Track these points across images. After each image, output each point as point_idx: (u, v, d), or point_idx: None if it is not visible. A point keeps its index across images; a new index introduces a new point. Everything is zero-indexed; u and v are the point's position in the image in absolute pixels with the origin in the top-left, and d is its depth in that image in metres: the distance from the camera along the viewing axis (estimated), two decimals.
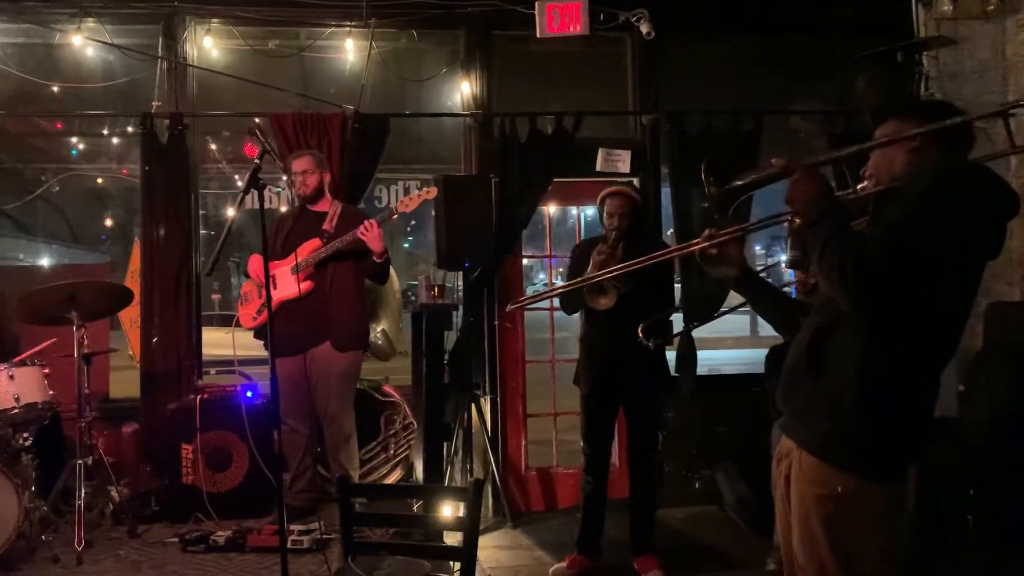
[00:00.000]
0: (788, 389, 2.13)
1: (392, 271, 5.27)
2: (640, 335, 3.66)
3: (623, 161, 5.49)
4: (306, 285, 4.63)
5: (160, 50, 5.37)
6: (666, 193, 5.58)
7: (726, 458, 5.23)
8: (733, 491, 5.07)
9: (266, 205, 5.11)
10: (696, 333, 5.34)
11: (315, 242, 4.67)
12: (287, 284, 4.62)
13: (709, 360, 5.48)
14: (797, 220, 2.07)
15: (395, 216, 4.72)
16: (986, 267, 2.04)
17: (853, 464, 1.96)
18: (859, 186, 2.17)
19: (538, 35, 5.25)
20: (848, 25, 5.61)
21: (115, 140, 6.83)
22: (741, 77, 5.73)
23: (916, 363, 1.97)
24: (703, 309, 5.32)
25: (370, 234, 4.54)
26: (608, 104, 5.70)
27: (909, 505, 2.05)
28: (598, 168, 5.44)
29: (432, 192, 4.66)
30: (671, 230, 5.77)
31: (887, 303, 1.90)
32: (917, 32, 5.67)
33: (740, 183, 2.18)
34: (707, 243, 2.30)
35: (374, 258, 4.64)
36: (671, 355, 5.44)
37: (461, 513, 2.57)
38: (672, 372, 5.32)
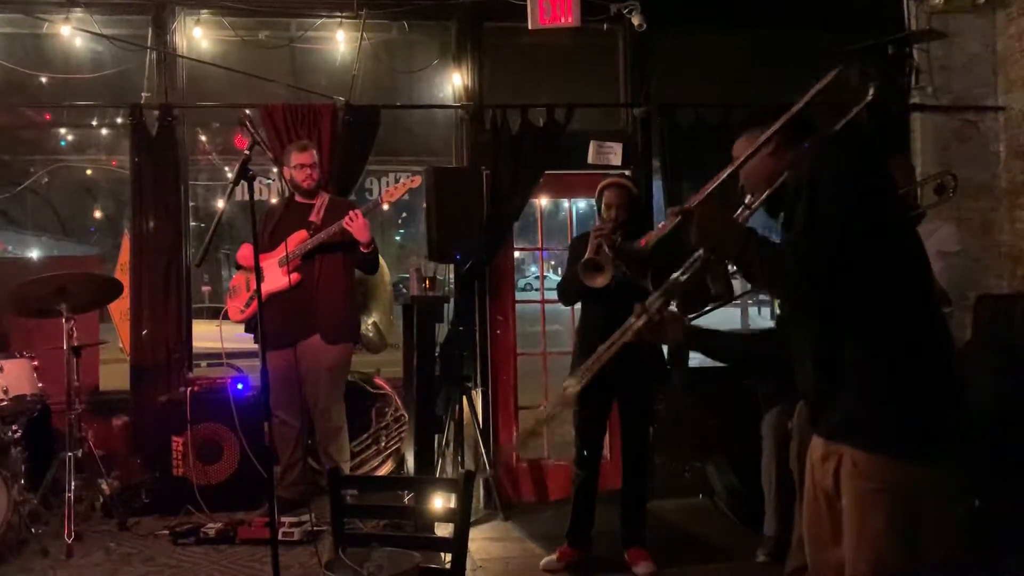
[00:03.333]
0: (814, 390, 2.11)
1: (383, 263, 5.26)
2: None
3: (615, 153, 5.49)
4: (293, 277, 4.62)
5: (150, 41, 5.34)
6: (657, 186, 5.58)
7: (717, 450, 5.25)
8: (724, 483, 5.09)
9: (256, 197, 5.12)
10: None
11: (302, 234, 4.66)
12: (274, 276, 4.61)
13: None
14: (706, 256, 2.09)
15: (381, 206, 4.70)
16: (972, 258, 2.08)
17: (900, 447, 1.94)
18: (747, 201, 2.22)
19: (530, 27, 5.24)
20: (839, 18, 5.61)
21: (104, 131, 6.78)
22: (732, 70, 5.73)
23: (910, 324, 1.98)
24: (693, 302, 5.33)
25: (355, 224, 4.52)
26: (600, 96, 5.70)
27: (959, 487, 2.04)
28: (590, 160, 5.44)
29: (416, 181, 4.64)
30: (662, 223, 5.76)
31: (845, 283, 1.92)
32: (908, 25, 5.68)
33: (645, 247, 2.20)
34: (644, 323, 2.28)
35: (361, 248, 4.63)
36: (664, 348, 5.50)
37: (452, 505, 2.57)
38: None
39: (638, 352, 3.91)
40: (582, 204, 5.94)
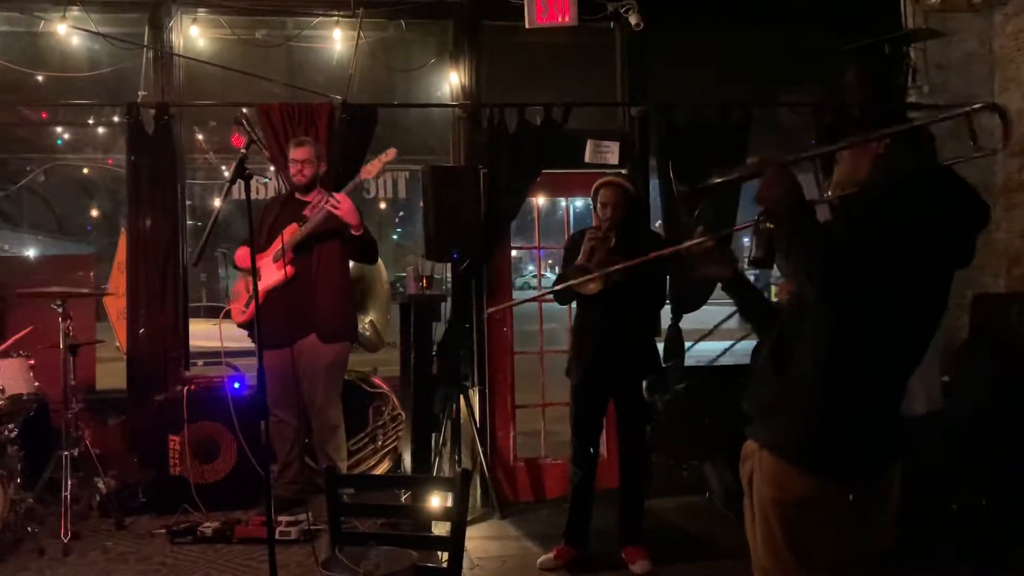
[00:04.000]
0: (753, 390, 2.13)
1: (380, 262, 5.25)
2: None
3: (612, 152, 5.49)
4: (288, 270, 4.57)
5: (146, 39, 5.33)
6: (654, 184, 5.58)
7: (714, 449, 5.25)
8: (721, 481, 5.09)
9: (253, 195, 5.12)
10: (684, 324, 5.37)
11: (293, 227, 4.64)
12: (270, 273, 4.59)
13: (702, 352, 5.49)
14: (766, 221, 2.06)
15: (360, 181, 4.63)
16: (970, 263, 2.04)
17: (813, 463, 1.95)
18: (827, 195, 2.20)
19: (527, 25, 5.23)
20: (836, 17, 5.62)
21: (101, 130, 6.78)
22: (730, 69, 5.73)
23: (879, 364, 1.97)
24: (691, 300, 5.35)
25: (341, 207, 4.49)
26: (597, 95, 5.70)
27: (882, 509, 2.02)
28: (587, 159, 5.44)
29: (391, 153, 4.59)
30: (659, 221, 5.78)
31: (850, 298, 1.90)
32: (905, 24, 5.69)
33: (712, 183, 2.17)
34: (701, 240, 2.30)
35: (352, 231, 4.57)
36: (659, 346, 5.50)
37: (449, 504, 2.57)
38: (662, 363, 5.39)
39: (634, 349, 3.94)
40: (579, 203, 5.94)
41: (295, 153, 4.71)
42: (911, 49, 5.67)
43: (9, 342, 4.68)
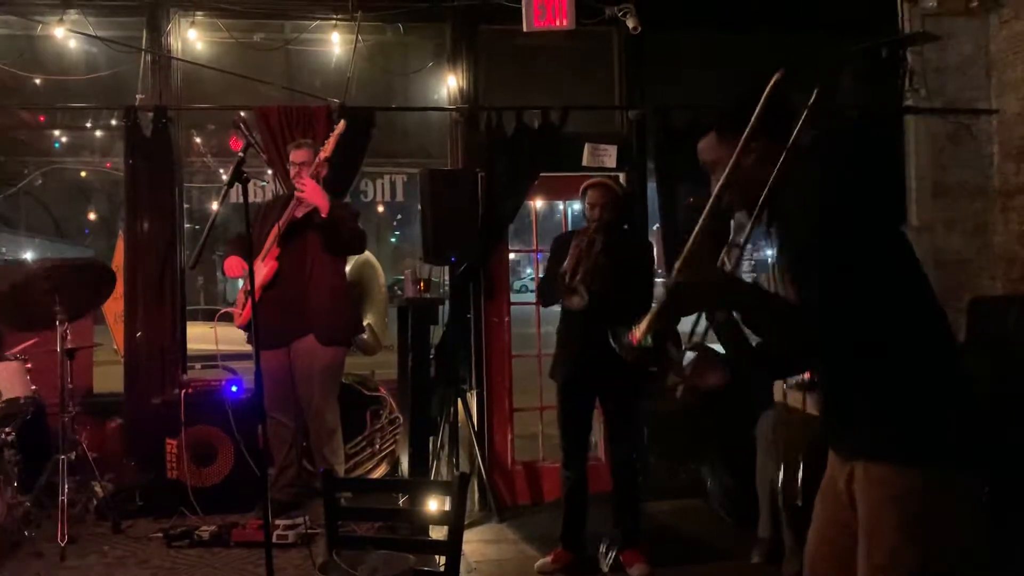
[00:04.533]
0: (829, 427, 2.12)
1: (378, 265, 5.25)
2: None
3: (609, 156, 5.50)
4: (271, 265, 4.55)
5: (144, 42, 5.33)
6: (652, 188, 5.59)
7: (712, 451, 5.25)
8: (718, 484, 5.09)
9: (251, 199, 5.11)
10: (682, 327, 5.36)
11: (276, 228, 4.62)
12: (258, 271, 4.56)
13: None
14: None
15: (321, 160, 4.57)
16: (964, 261, 2.04)
17: (914, 457, 1.93)
18: (735, 238, 2.13)
19: (524, 29, 5.23)
20: (833, 21, 5.62)
21: (99, 133, 6.80)
22: (727, 73, 5.73)
23: (914, 334, 1.97)
24: None
25: (306, 191, 4.46)
26: (594, 98, 5.71)
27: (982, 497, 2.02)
28: (584, 163, 5.44)
29: (341, 126, 4.57)
30: (656, 225, 5.78)
31: (855, 302, 1.90)
32: (902, 28, 5.70)
33: (638, 345, 2.10)
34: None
35: (320, 214, 4.50)
36: None
37: (446, 507, 2.56)
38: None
39: (616, 354, 3.92)
40: (577, 206, 5.86)
41: (294, 155, 4.70)
42: (908, 52, 5.68)
43: (17, 349, 4.67)
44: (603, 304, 3.88)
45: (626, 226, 4.19)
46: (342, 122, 4.60)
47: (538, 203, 5.78)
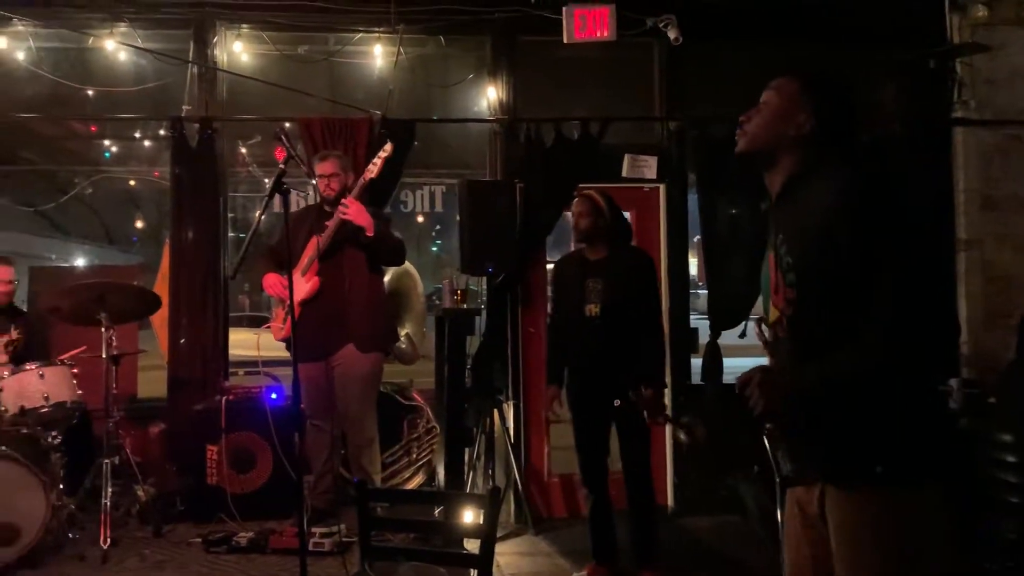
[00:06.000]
0: (794, 442, 2.06)
1: (416, 275, 5.27)
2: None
3: (649, 167, 5.47)
4: (314, 282, 4.60)
5: (191, 55, 5.43)
6: (692, 199, 5.54)
7: (750, 468, 5.17)
8: (756, 502, 5.01)
9: (292, 209, 5.18)
10: (723, 340, 5.31)
11: (316, 240, 4.65)
12: (300, 286, 4.60)
13: (740, 368, 5.42)
14: (773, 428, 1.99)
15: (366, 182, 4.59)
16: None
17: (891, 477, 1.89)
18: (737, 148, 2.11)
19: (565, 40, 5.24)
20: (879, 32, 5.53)
21: (147, 143, 6.93)
22: (768, 84, 5.67)
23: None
24: (729, 315, 5.28)
25: (350, 210, 4.48)
26: (634, 109, 5.68)
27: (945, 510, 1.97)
28: (624, 173, 5.42)
29: (388, 149, 4.59)
30: (697, 236, 5.73)
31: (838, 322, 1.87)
32: (951, 38, 5.59)
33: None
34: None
35: (365, 234, 4.53)
36: (696, 362, 5.44)
37: (480, 520, 2.56)
38: (699, 380, 5.32)
39: (628, 366, 3.88)
40: None
41: (320, 167, 4.73)
42: (957, 63, 5.56)
43: (67, 355, 4.77)
44: (610, 319, 3.88)
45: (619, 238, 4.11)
46: (389, 144, 4.63)
47: None
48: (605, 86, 5.73)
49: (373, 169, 4.57)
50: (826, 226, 1.90)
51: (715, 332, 5.32)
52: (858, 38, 5.56)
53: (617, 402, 3.77)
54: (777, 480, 2.03)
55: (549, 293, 4.63)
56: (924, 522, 1.91)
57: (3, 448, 4.17)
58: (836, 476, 1.96)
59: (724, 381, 5.34)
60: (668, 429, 5.08)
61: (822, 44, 5.59)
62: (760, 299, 2.27)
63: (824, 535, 1.99)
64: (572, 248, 4.35)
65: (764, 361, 2.58)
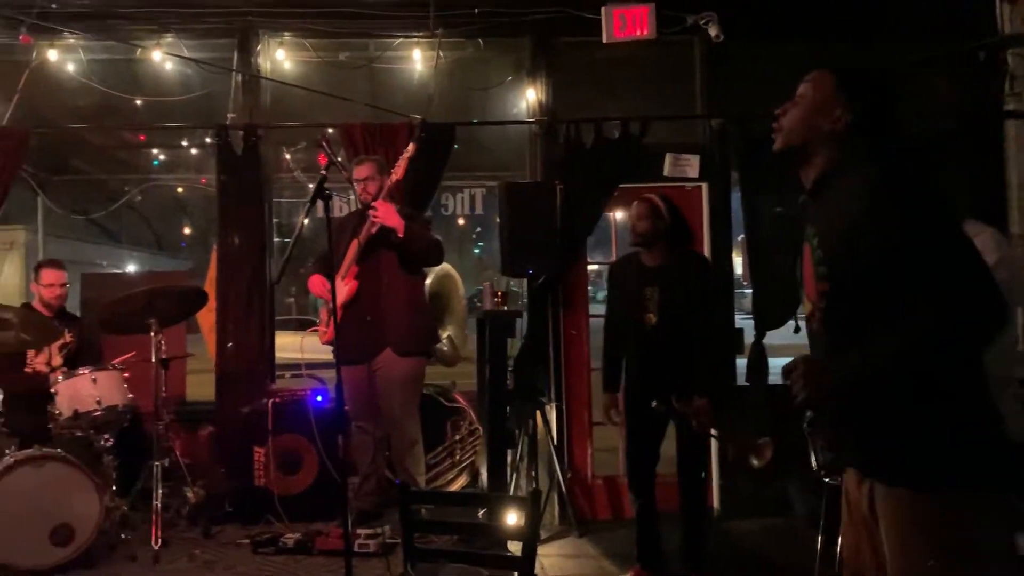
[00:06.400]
0: (843, 436, 2.04)
1: (457, 277, 5.29)
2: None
3: (691, 166, 5.42)
4: (352, 285, 4.64)
5: (235, 63, 5.53)
6: (736, 198, 5.48)
7: (798, 469, 5.08)
8: (805, 503, 4.94)
9: (335, 214, 5.23)
10: (768, 340, 5.24)
11: (355, 243, 4.71)
12: (339, 291, 4.64)
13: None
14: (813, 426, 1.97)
15: (393, 183, 4.63)
16: None
17: (943, 480, 1.85)
18: (774, 146, 2.11)
19: (604, 40, 5.22)
20: (927, 24, 5.41)
21: (194, 151, 7.09)
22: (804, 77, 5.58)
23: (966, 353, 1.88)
24: (774, 315, 5.21)
25: (380, 212, 4.52)
26: (675, 108, 5.63)
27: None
28: (666, 173, 5.39)
29: (411, 149, 4.62)
30: (741, 236, 5.66)
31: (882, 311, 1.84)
32: (1001, 29, 5.45)
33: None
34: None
35: (397, 234, 4.55)
36: (741, 363, 5.38)
37: (521, 522, 2.56)
38: (743, 381, 5.26)
39: (689, 368, 3.84)
40: None
41: (357, 172, 4.76)
42: (1008, 55, 5.42)
43: (119, 360, 4.89)
44: (673, 330, 3.84)
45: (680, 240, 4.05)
46: (411, 145, 4.66)
47: (618, 215, 5.73)
48: (645, 85, 5.70)
49: (398, 170, 4.61)
50: (855, 221, 1.89)
51: (760, 332, 5.25)
52: (906, 31, 5.43)
53: (655, 404, 3.74)
54: (814, 468, 2.02)
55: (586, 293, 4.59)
56: (979, 529, 1.85)
57: (58, 451, 4.28)
58: (879, 472, 1.93)
59: (770, 382, 5.27)
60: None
61: (868, 38, 5.49)
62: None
63: (876, 533, 1.96)
64: (605, 246, 4.31)
65: None
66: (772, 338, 5.22)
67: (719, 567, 4.21)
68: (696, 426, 3.74)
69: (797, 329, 4.73)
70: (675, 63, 5.66)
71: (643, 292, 3.93)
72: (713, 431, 3.88)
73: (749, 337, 5.27)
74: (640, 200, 4.04)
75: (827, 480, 3.41)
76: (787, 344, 4.64)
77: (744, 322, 5.50)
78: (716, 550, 4.42)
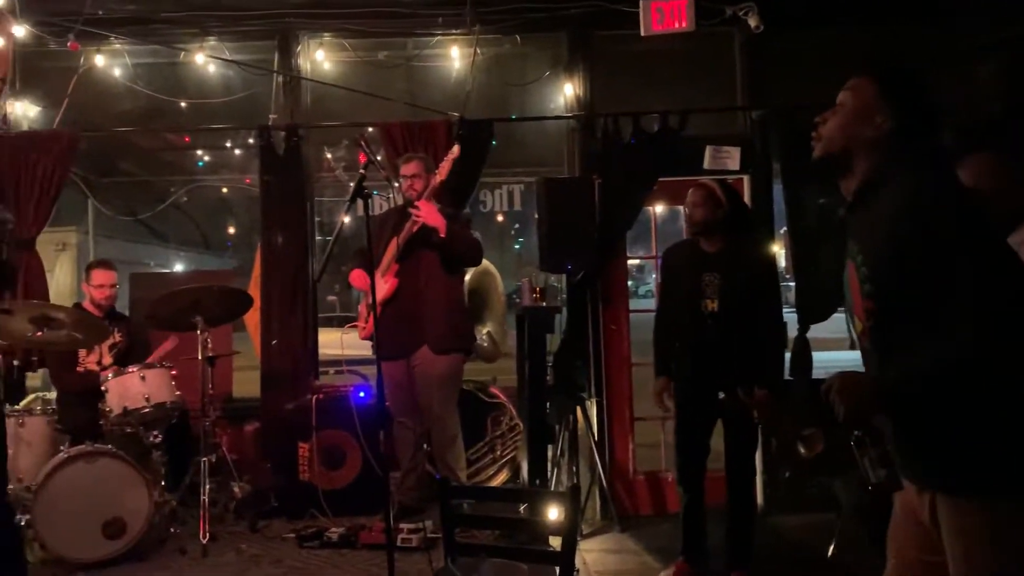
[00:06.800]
0: (900, 447, 1.98)
1: (496, 273, 5.30)
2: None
3: (732, 158, 5.36)
4: (392, 283, 4.69)
5: (275, 64, 5.60)
6: (778, 190, 5.41)
7: (845, 464, 5.01)
8: (852, 500, 4.86)
9: (375, 212, 5.28)
10: (811, 333, 5.17)
11: (394, 241, 4.74)
12: (378, 288, 4.68)
13: (829, 362, 5.26)
14: (864, 440, 1.92)
15: (436, 184, 4.65)
16: None
17: (992, 487, 1.82)
18: (814, 154, 2.06)
19: (642, 33, 5.19)
20: (975, 7, 5.27)
21: (237, 152, 7.20)
22: (854, 69, 5.48)
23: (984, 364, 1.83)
24: (818, 308, 5.15)
25: (422, 212, 4.56)
26: (715, 100, 5.59)
27: None
28: (706, 166, 5.33)
29: (455, 151, 4.63)
30: (784, 228, 5.59)
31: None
32: None
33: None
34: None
35: (439, 234, 4.60)
36: (785, 356, 5.31)
37: (561, 518, 2.57)
38: (788, 375, 5.18)
39: (743, 363, 3.79)
40: None
41: (404, 168, 4.81)
42: None
43: (156, 354, 5.00)
44: (727, 312, 3.79)
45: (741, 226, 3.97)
46: (456, 147, 4.68)
47: (658, 208, 5.70)
48: (684, 78, 5.65)
49: (442, 171, 4.64)
50: (899, 235, 1.85)
51: (804, 326, 5.19)
52: (951, 15, 5.31)
53: (721, 395, 3.70)
54: (869, 487, 1.97)
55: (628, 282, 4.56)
56: None
57: (109, 447, 4.40)
58: (941, 482, 1.89)
59: (814, 376, 5.20)
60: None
61: (912, 24, 5.38)
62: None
63: (935, 540, 1.92)
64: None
65: (854, 356, 2.50)
66: (816, 332, 5.15)
67: (763, 563, 4.16)
68: (757, 418, 3.69)
69: (852, 345, 4.65)
70: (714, 54, 5.61)
71: (702, 278, 3.84)
72: (772, 423, 3.83)
73: (793, 331, 5.20)
74: (696, 187, 3.97)
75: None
76: (830, 338, 4.58)
77: (787, 316, 5.43)
78: (760, 546, 4.37)
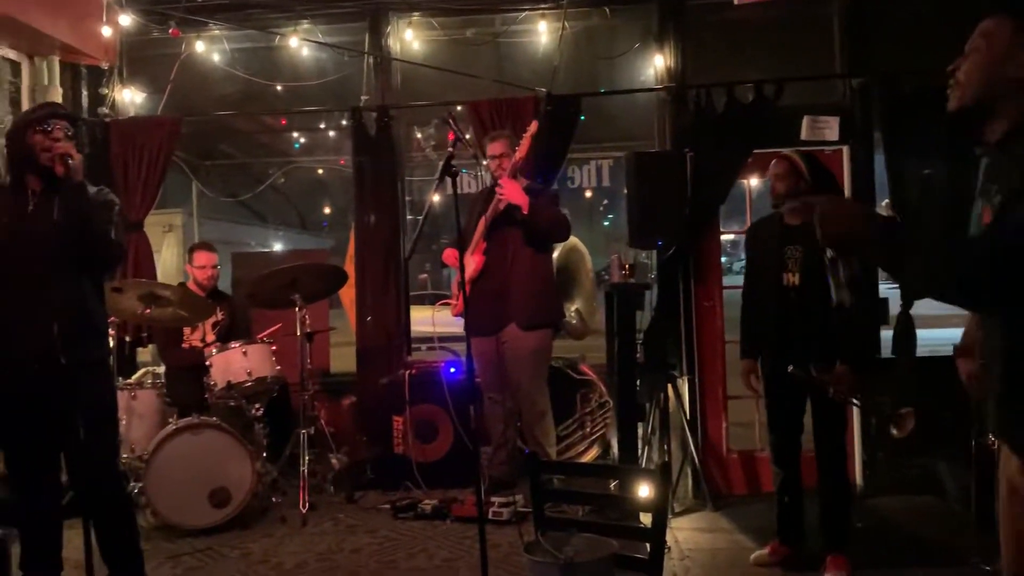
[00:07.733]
0: (1001, 409, 1.89)
1: (585, 250, 5.27)
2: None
3: (830, 128, 5.16)
4: (478, 260, 4.73)
5: (366, 46, 5.69)
6: (879, 161, 5.19)
7: (950, 445, 4.81)
8: (958, 481, 4.67)
9: (464, 190, 5.33)
10: (916, 310, 4.96)
11: (483, 220, 4.77)
12: (468, 265, 4.73)
13: (934, 340, 5.05)
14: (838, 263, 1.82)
15: (518, 161, 4.66)
16: None
17: None
18: (949, 105, 1.90)
19: (736, 2, 5.04)
20: None
21: (331, 133, 7.35)
22: (962, 30, 5.19)
23: None
24: None
25: (506, 190, 4.58)
26: (812, 69, 5.38)
27: None
28: (803, 136, 5.14)
29: (534, 126, 4.63)
30: (886, 200, 5.37)
31: None
32: None
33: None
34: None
35: (522, 211, 4.59)
36: (887, 335, 5.12)
37: (651, 495, 2.56)
38: (890, 353, 4.99)
39: (829, 337, 3.66)
40: None
41: (491, 148, 4.82)
42: None
43: (265, 333, 5.18)
44: (810, 285, 3.68)
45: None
46: (534, 123, 4.68)
47: (753, 182, 5.55)
48: (780, 46, 5.46)
49: (521, 148, 4.65)
50: None
51: (907, 302, 4.98)
52: None
53: (791, 369, 3.61)
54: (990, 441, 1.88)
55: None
56: None
57: (214, 419, 4.59)
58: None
59: (918, 355, 4.99)
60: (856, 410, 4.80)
61: None
62: None
63: None
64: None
65: (959, 332, 2.38)
66: (920, 308, 4.94)
67: (862, 546, 4.05)
68: (834, 394, 3.59)
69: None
70: (811, 21, 5.41)
71: (783, 251, 3.77)
72: (855, 400, 3.71)
73: (895, 308, 5.00)
74: (779, 159, 3.88)
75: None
76: (935, 315, 4.37)
77: (890, 292, 5.23)
78: (859, 529, 4.26)
